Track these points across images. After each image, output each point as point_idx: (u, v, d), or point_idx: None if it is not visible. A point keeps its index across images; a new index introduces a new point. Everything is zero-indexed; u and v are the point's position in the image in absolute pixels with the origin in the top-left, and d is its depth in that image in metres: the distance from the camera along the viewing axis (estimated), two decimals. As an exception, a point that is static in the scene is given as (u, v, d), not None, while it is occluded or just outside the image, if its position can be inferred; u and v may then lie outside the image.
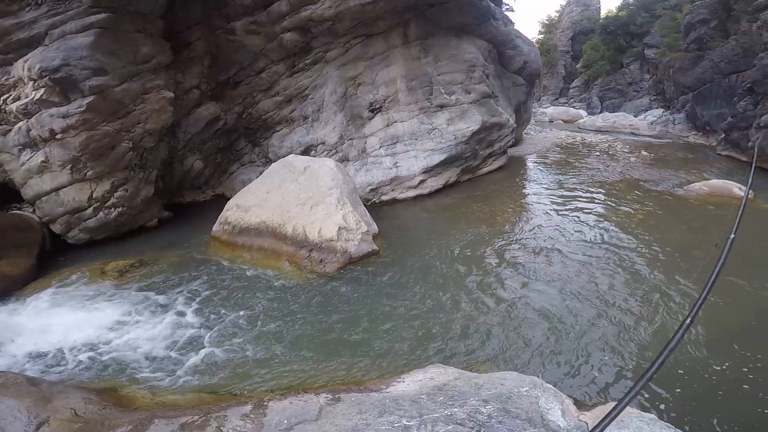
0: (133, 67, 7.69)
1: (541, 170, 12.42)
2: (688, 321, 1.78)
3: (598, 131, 20.96)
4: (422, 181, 9.95)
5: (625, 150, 15.13)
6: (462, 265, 6.10)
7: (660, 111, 22.92)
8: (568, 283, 5.40)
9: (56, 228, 7.49)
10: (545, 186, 10.38)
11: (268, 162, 9.34)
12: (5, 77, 7.22)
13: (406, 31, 10.39)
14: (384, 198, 9.75)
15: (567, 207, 8.62)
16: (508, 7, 18.52)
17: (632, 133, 19.83)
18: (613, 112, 25.81)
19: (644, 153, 14.37)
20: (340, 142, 10.22)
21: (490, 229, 7.45)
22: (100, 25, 7.15)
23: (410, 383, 2.95)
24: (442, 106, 10.31)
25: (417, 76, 10.29)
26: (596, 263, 5.95)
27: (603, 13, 38.34)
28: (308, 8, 9.10)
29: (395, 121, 10.15)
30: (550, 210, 8.46)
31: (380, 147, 10.04)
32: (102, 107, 7.25)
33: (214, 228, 7.32)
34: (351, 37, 10.15)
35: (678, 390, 3.52)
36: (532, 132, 19.37)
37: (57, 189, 7.40)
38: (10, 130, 7.31)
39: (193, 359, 4.19)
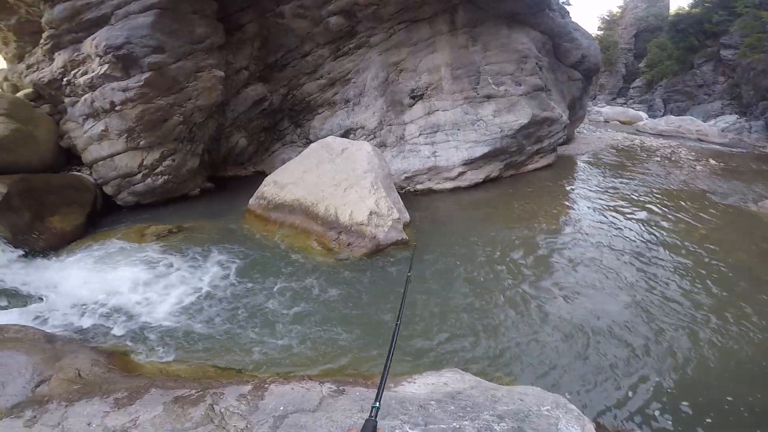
0: (188, 47, 7.98)
1: (593, 172, 11.52)
2: (398, 322, 2.05)
3: (660, 135, 19.20)
4: (461, 173, 9.57)
5: (691, 157, 13.74)
6: (495, 265, 5.76)
7: (734, 117, 20.63)
8: (611, 298, 4.94)
9: (108, 189, 8.07)
10: (596, 189, 9.62)
11: (309, 143, 9.37)
12: (76, 54, 7.77)
13: (453, 17, 9.93)
14: (419, 187, 9.51)
15: (618, 214, 7.92)
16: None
17: (699, 140, 17.98)
18: (679, 115, 23.57)
19: (713, 162, 12.99)
20: (379, 128, 10.05)
21: (530, 231, 6.99)
22: (160, 6, 7.47)
23: (421, 385, 2.76)
24: (488, 97, 9.81)
25: (463, 64, 9.84)
26: (646, 280, 5.39)
27: (672, 9, 34.97)
28: (354, -8, 8.94)
29: (437, 110, 9.81)
30: (599, 216, 7.81)
31: (419, 135, 9.76)
32: (158, 83, 7.61)
33: (250, 201, 7.49)
34: (395, 23, 9.90)
35: (691, 412, 3.13)
36: (585, 131, 18.15)
37: (112, 155, 7.94)
38: (78, 101, 7.90)
39: (208, 329, 4.24)
